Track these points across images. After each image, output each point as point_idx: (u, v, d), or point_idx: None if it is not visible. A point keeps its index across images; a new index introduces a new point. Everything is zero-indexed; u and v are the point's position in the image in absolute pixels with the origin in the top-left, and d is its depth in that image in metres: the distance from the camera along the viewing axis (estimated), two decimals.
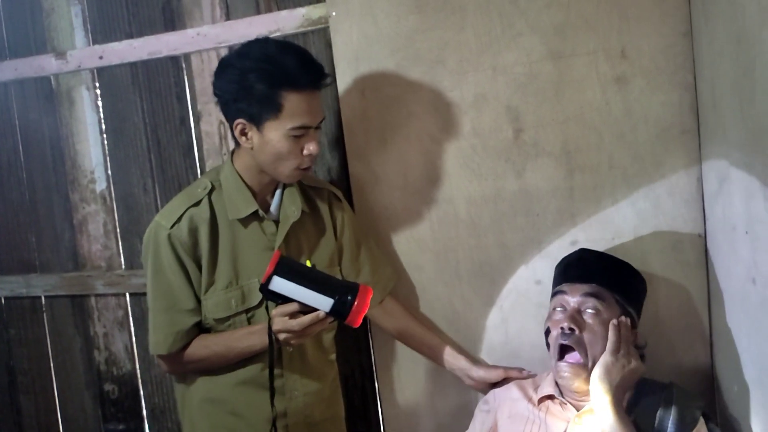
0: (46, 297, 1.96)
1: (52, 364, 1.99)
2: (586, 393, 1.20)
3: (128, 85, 1.79)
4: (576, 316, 1.21)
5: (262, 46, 1.24)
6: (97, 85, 1.82)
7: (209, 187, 1.32)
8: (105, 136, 1.84)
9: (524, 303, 1.48)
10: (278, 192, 1.36)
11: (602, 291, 1.23)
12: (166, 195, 1.79)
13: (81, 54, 1.80)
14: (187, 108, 1.75)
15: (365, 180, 1.54)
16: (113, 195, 1.86)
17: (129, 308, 1.89)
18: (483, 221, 1.48)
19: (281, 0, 1.62)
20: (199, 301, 1.31)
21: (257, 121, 1.23)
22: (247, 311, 1.32)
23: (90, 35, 1.81)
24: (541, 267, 1.45)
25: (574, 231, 1.43)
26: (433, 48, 1.45)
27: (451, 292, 1.52)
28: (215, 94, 1.29)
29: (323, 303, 1.17)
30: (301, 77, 1.21)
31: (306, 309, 1.17)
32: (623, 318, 1.20)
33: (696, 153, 1.34)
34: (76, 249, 1.91)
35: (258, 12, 1.64)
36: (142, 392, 1.91)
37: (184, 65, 1.73)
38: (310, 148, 1.25)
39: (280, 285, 1.16)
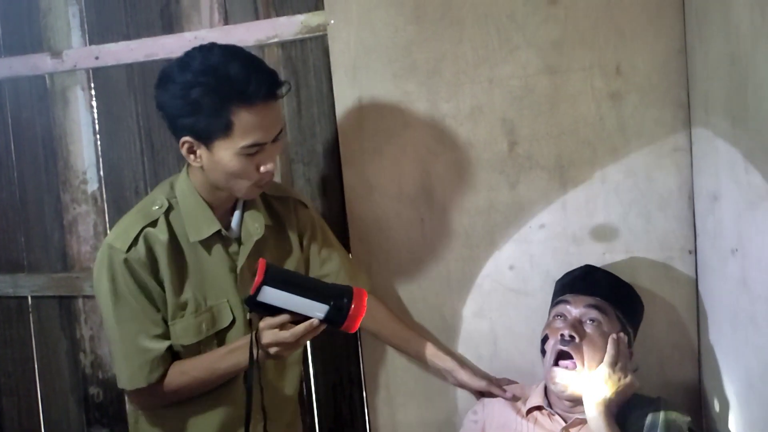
0: (33, 297, 1.94)
1: (36, 366, 1.96)
2: (577, 403, 1.20)
3: (123, 86, 1.78)
4: (577, 324, 1.21)
5: (204, 55, 1.11)
6: (92, 85, 1.81)
7: (165, 205, 1.22)
8: (98, 137, 1.83)
9: (514, 314, 1.48)
10: (239, 207, 1.28)
11: (605, 305, 1.24)
12: None
13: (77, 54, 1.79)
14: None
15: (359, 189, 1.54)
16: (105, 196, 1.84)
17: None
18: (476, 232, 1.48)
19: (280, 6, 1.63)
20: (167, 323, 1.23)
21: (205, 140, 1.13)
22: (217, 334, 1.25)
23: (87, 36, 1.80)
24: (532, 277, 1.46)
25: (566, 244, 1.43)
26: (430, 59, 1.46)
27: (441, 303, 1.52)
28: (157, 107, 1.17)
29: (317, 310, 1.09)
30: (251, 90, 1.09)
31: (297, 318, 1.10)
32: (622, 334, 1.21)
33: (688, 170, 1.35)
34: (65, 250, 1.89)
35: (256, 18, 1.65)
36: (126, 396, 1.89)
37: None
38: (268, 166, 1.16)
39: (270, 295, 1.08)
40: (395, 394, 1.58)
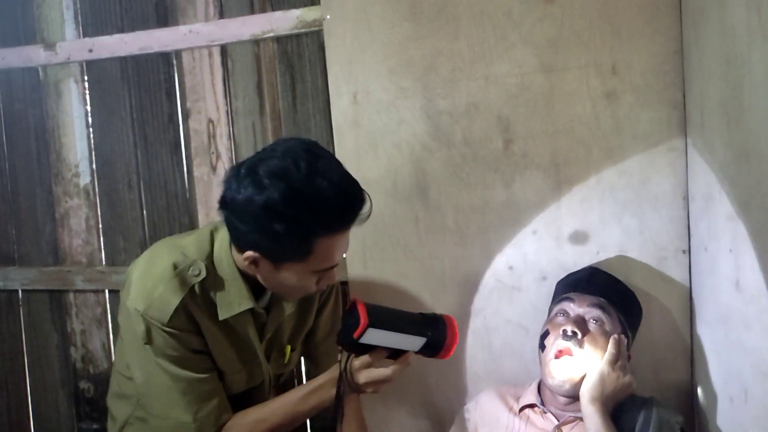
0: (23, 291, 1.92)
1: (26, 361, 1.95)
2: (573, 399, 1.20)
3: (117, 79, 1.77)
4: (580, 321, 1.22)
5: (288, 172, 0.99)
6: (86, 78, 1.80)
7: (203, 275, 1.12)
8: (91, 129, 1.82)
9: (508, 311, 1.48)
10: None
11: (608, 306, 1.25)
12: (150, 192, 1.78)
13: (70, 46, 1.78)
14: (176, 105, 1.74)
15: None
16: (97, 190, 1.83)
17: (108, 305, 1.86)
18: (470, 230, 1.48)
19: (276, 0, 1.62)
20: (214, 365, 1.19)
21: (275, 261, 1.06)
22: (246, 392, 1.24)
23: (81, 28, 1.79)
24: (525, 276, 1.46)
25: (560, 242, 1.43)
26: (426, 55, 1.46)
27: (435, 300, 1.52)
28: (224, 206, 1.06)
29: (415, 343, 1.10)
30: (339, 221, 1.03)
31: (392, 352, 1.10)
32: (623, 336, 1.22)
33: (683, 170, 1.36)
34: (56, 243, 1.88)
35: (252, 12, 1.64)
36: None
37: (174, 62, 1.72)
38: (331, 280, 1.13)
39: (373, 336, 1.06)
40: (390, 395, 1.57)
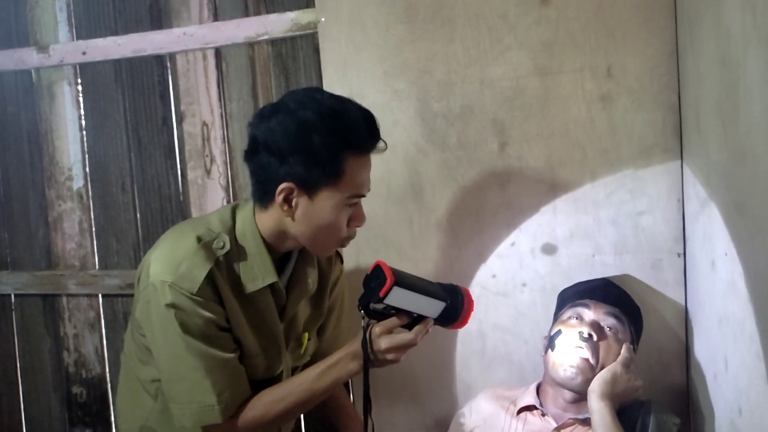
0: (16, 295, 1.91)
1: (18, 365, 1.94)
2: (578, 397, 1.21)
3: (111, 82, 1.76)
4: (596, 326, 1.24)
5: (316, 98, 1.06)
6: (79, 81, 1.79)
7: (227, 248, 1.12)
8: (85, 133, 1.81)
9: (502, 313, 1.48)
10: (294, 256, 1.22)
11: (623, 317, 1.28)
12: (144, 195, 1.77)
13: (64, 49, 1.77)
14: (170, 108, 1.73)
15: None
16: (90, 193, 1.82)
17: (101, 309, 1.85)
18: (464, 232, 1.47)
19: (270, 3, 1.61)
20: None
21: (310, 187, 1.07)
22: (262, 381, 1.19)
23: (74, 30, 1.78)
24: (519, 279, 1.45)
25: (556, 245, 1.43)
26: (421, 58, 1.45)
27: None
28: (256, 147, 1.08)
29: (435, 308, 1.09)
30: (367, 138, 1.07)
31: (410, 320, 1.09)
32: (631, 346, 1.24)
33: (678, 173, 1.35)
34: (49, 247, 1.87)
35: (246, 14, 1.63)
36: (110, 396, 1.87)
37: (168, 64, 1.71)
38: (359, 223, 1.13)
39: (397, 296, 1.04)
40: (381, 396, 1.56)
